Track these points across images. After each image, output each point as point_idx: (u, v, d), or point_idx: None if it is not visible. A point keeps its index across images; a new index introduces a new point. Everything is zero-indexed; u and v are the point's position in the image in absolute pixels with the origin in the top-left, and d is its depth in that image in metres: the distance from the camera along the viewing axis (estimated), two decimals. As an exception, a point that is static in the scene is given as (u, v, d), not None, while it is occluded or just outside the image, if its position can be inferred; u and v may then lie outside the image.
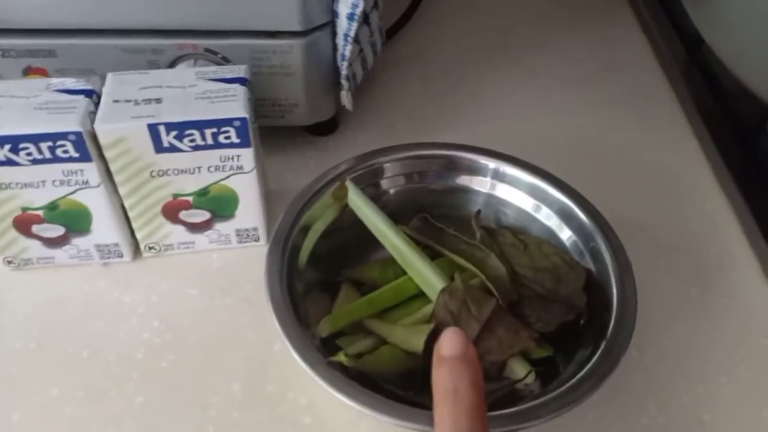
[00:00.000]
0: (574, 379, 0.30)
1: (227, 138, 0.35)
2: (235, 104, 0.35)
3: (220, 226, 0.39)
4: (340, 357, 0.30)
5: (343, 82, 0.43)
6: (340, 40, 0.41)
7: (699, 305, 0.39)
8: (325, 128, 0.48)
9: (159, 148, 0.35)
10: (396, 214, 0.38)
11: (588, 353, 0.32)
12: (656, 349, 0.37)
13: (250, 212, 0.39)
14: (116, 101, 0.35)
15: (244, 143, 0.35)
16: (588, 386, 0.29)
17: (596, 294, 0.34)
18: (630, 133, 0.50)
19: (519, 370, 0.33)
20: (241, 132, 0.35)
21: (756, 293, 0.40)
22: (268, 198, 0.42)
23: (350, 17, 0.39)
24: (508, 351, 0.33)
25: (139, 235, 0.39)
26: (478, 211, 0.39)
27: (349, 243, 0.38)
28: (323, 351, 0.31)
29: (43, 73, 0.40)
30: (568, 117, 0.51)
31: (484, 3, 0.61)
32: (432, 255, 0.37)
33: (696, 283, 0.40)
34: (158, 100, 0.35)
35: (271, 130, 0.44)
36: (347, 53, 0.41)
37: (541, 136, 0.49)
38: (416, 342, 0.32)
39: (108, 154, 0.35)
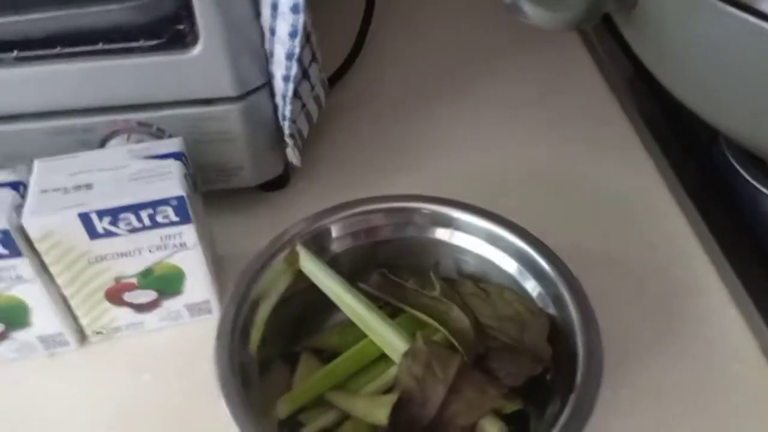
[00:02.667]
0: (546, 441, 0.28)
1: (165, 217, 0.34)
2: (170, 183, 0.33)
3: (169, 304, 0.38)
4: (299, 446, 0.29)
5: (288, 140, 0.42)
6: (279, 100, 0.40)
7: (669, 335, 0.38)
8: (276, 184, 0.47)
9: (93, 234, 0.33)
10: (354, 273, 0.37)
11: (558, 407, 0.31)
12: (630, 387, 0.36)
13: (198, 286, 0.37)
14: (44, 191, 0.33)
15: (184, 220, 0.34)
16: (561, 446, 0.28)
17: (561, 343, 0.33)
18: (583, 159, 0.49)
19: (490, 429, 0.32)
20: (180, 210, 0.33)
21: (725, 317, 0.39)
22: (220, 264, 0.41)
23: (285, 79, 0.38)
24: (477, 412, 0.32)
25: (83, 322, 0.37)
26: (437, 263, 0.38)
27: (306, 309, 0.37)
28: (283, 434, 0.30)
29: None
30: (519, 147, 0.50)
31: (426, 40, 0.60)
32: (394, 312, 0.36)
33: (664, 311, 0.40)
34: (89, 186, 0.33)
35: (220, 191, 0.43)
36: (287, 113, 0.40)
37: (494, 171, 0.49)
38: (380, 415, 0.30)
39: (40, 248, 0.33)
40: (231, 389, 0.30)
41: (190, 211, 0.34)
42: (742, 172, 0.45)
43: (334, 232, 0.37)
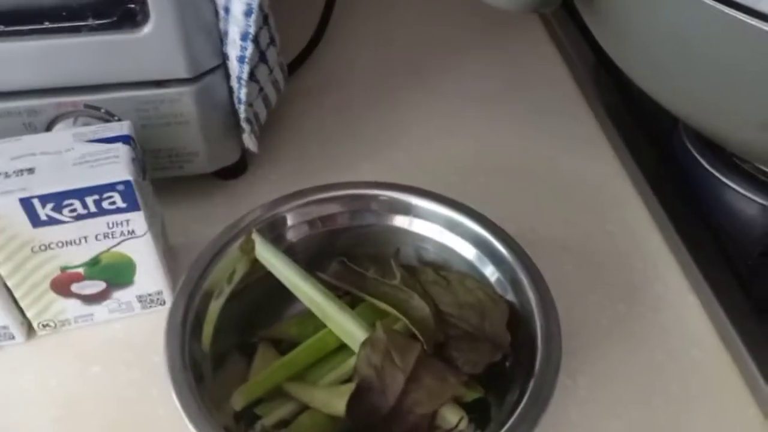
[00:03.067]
0: (505, 429, 0.28)
1: (112, 203, 0.32)
2: (117, 167, 0.32)
3: (119, 294, 0.36)
4: (253, 439, 0.28)
5: (244, 125, 0.41)
6: (234, 83, 0.39)
7: (627, 322, 0.39)
8: (233, 171, 0.45)
9: (36, 222, 0.31)
10: (312, 261, 0.36)
11: (517, 394, 0.30)
12: (588, 375, 0.36)
13: (150, 276, 0.36)
14: (-17, 175, 0.31)
15: (131, 207, 0.33)
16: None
17: (520, 329, 0.33)
18: (545, 148, 0.49)
19: (451, 417, 0.31)
20: (127, 196, 0.32)
21: (683, 304, 0.39)
22: (173, 254, 0.39)
23: (240, 60, 0.37)
24: (437, 400, 0.31)
25: (29, 314, 0.35)
26: (397, 251, 0.37)
27: (263, 299, 0.36)
28: (238, 429, 0.29)
29: None
30: (482, 137, 0.50)
31: (390, 29, 0.59)
32: (354, 301, 0.35)
33: (623, 298, 0.40)
34: (31, 170, 0.32)
35: (174, 177, 0.41)
36: (243, 96, 0.39)
37: (457, 160, 0.48)
38: (339, 404, 0.30)
39: (-21, 235, 0.31)
40: (182, 384, 0.28)
41: (139, 197, 0.32)
42: (702, 160, 0.45)
43: (291, 219, 0.36)
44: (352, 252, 0.37)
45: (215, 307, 0.33)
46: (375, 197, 0.37)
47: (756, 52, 0.31)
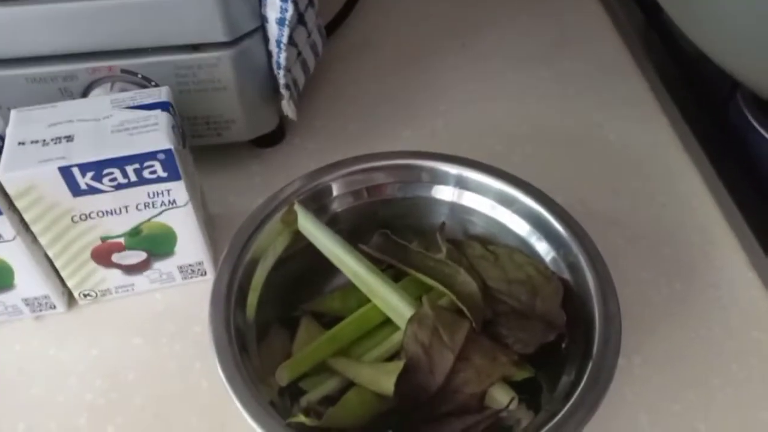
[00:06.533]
0: (563, 413, 0.27)
1: (153, 173, 0.31)
2: (157, 134, 0.31)
3: (160, 265, 0.35)
4: (300, 418, 0.27)
5: (283, 91, 0.39)
6: (273, 47, 0.37)
7: (684, 300, 0.37)
8: (270, 140, 0.44)
9: (76, 191, 0.31)
10: (354, 233, 0.35)
11: (573, 376, 0.29)
12: (643, 355, 0.35)
13: (191, 247, 0.35)
14: (21, 143, 0.30)
15: (172, 176, 0.32)
16: (578, 418, 0.27)
17: (576, 309, 0.31)
18: (592, 112, 0.47)
19: (501, 397, 0.30)
20: (168, 165, 0.31)
21: (742, 280, 0.38)
22: (213, 224, 0.39)
23: (280, 22, 0.35)
24: (487, 380, 0.30)
25: (70, 284, 0.35)
26: (443, 224, 0.36)
27: (305, 272, 0.35)
28: (283, 403, 0.28)
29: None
30: (525, 101, 0.48)
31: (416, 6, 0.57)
32: (397, 275, 0.34)
33: (678, 275, 0.38)
34: (69, 138, 0.31)
35: (210, 147, 0.40)
36: (282, 60, 0.37)
37: (500, 125, 0.46)
38: (386, 383, 0.29)
39: (19, 204, 0.31)
40: (227, 356, 0.28)
41: (180, 166, 0.31)
42: (761, 129, 0.43)
43: (334, 190, 0.35)
44: (395, 224, 0.36)
45: (258, 278, 0.32)
46: (423, 168, 0.35)
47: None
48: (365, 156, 0.36)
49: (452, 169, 0.35)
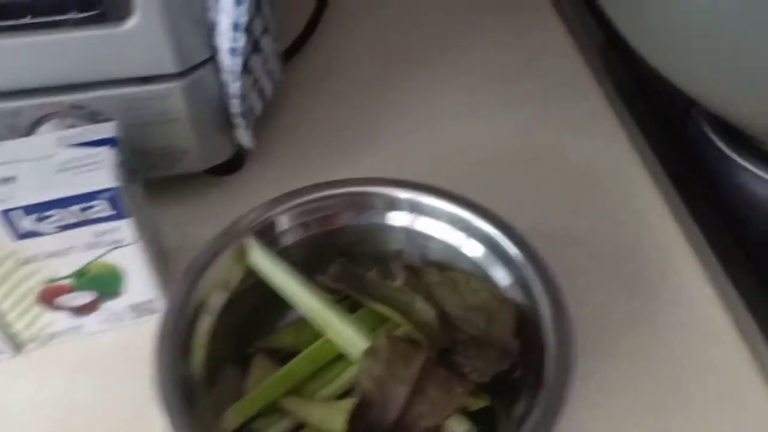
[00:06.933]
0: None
1: (98, 212, 0.31)
2: (102, 173, 0.30)
3: (110, 305, 0.35)
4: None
5: (237, 120, 0.39)
6: (226, 77, 0.37)
7: (642, 318, 0.37)
8: (228, 168, 0.44)
9: (18, 234, 0.30)
10: (311, 264, 0.35)
11: (527, 404, 0.29)
12: (600, 377, 0.34)
13: (140, 285, 0.34)
14: (-39, 186, 0.30)
15: (119, 215, 0.31)
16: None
17: (530, 334, 0.31)
18: (554, 132, 0.47)
19: (457, 429, 0.30)
20: (114, 203, 0.30)
21: (701, 297, 0.38)
22: (167, 259, 0.38)
23: (233, 52, 0.35)
24: (442, 413, 0.30)
25: (17, 327, 0.34)
26: (400, 251, 0.36)
27: (260, 307, 0.34)
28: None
29: None
30: (486, 121, 0.48)
31: (389, 10, 0.57)
32: (355, 305, 0.34)
33: (637, 293, 0.38)
34: (12, 179, 0.30)
35: (166, 177, 0.40)
36: (236, 90, 0.37)
37: (462, 148, 0.46)
38: (337, 422, 0.28)
39: (-41, 249, 0.30)
40: (173, 406, 0.27)
41: (126, 204, 0.31)
42: (718, 142, 0.43)
43: (288, 220, 0.35)
44: (354, 252, 0.36)
45: (209, 317, 0.32)
46: (375, 194, 0.35)
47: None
48: (320, 185, 0.36)
49: (406, 195, 0.35)
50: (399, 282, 0.34)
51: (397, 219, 0.36)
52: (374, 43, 0.54)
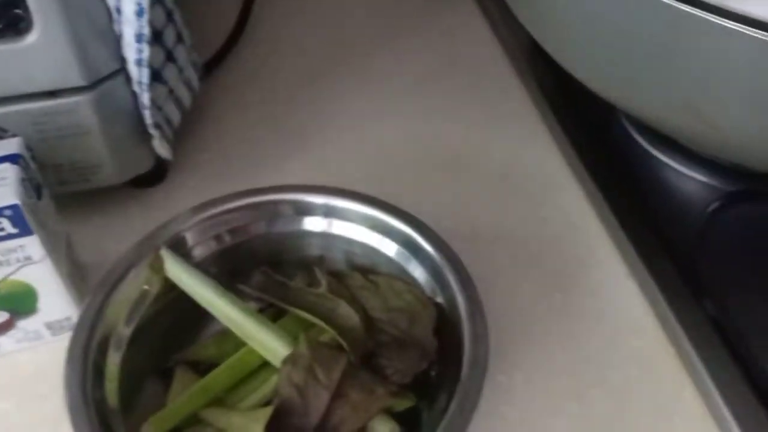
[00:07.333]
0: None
1: (2, 230, 0.30)
2: (4, 190, 0.29)
3: (25, 324, 0.34)
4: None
5: (152, 131, 0.38)
6: (136, 87, 0.36)
7: (564, 311, 0.37)
8: (150, 179, 0.43)
9: None
10: (234, 273, 0.34)
11: (447, 400, 0.29)
12: (525, 370, 0.35)
13: (55, 303, 0.33)
14: None
15: (23, 232, 0.30)
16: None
17: (449, 333, 0.31)
18: (477, 132, 0.47)
19: (380, 429, 0.30)
20: (17, 220, 0.30)
21: (621, 289, 0.38)
22: (83, 275, 0.37)
23: (138, 63, 0.35)
24: (364, 415, 0.30)
25: (-73, 352, 0.33)
26: (321, 257, 0.36)
27: (181, 318, 0.33)
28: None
29: None
30: (411, 123, 0.48)
31: (313, 17, 0.57)
32: (279, 314, 0.33)
33: (559, 287, 0.39)
34: None
35: (83, 191, 0.39)
36: (146, 101, 0.36)
37: (388, 149, 0.46)
38: (254, 430, 0.28)
39: None
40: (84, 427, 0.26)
41: (31, 221, 0.30)
42: (640, 139, 0.44)
43: (206, 231, 0.34)
44: (276, 260, 0.36)
45: (125, 333, 0.31)
46: (287, 201, 0.35)
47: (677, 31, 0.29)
48: (234, 194, 0.35)
49: (318, 200, 0.35)
50: (322, 288, 0.34)
51: (312, 224, 0.35)
52: (298, 51, 0.53)
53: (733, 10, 0.27)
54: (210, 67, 0.49)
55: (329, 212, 0.35)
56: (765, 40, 0.26)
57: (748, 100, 0.30)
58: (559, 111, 0.48)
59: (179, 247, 0.33)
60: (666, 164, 0.44)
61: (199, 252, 0.34)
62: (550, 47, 0.39)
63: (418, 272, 0.34)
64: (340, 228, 0.35)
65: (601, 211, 0.42)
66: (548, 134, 0.48)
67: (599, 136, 0.46)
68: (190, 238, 0.34)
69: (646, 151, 0.44)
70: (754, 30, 0.27)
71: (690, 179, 0.43)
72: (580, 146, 0.45)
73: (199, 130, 0.47)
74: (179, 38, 0.40)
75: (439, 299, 0.33)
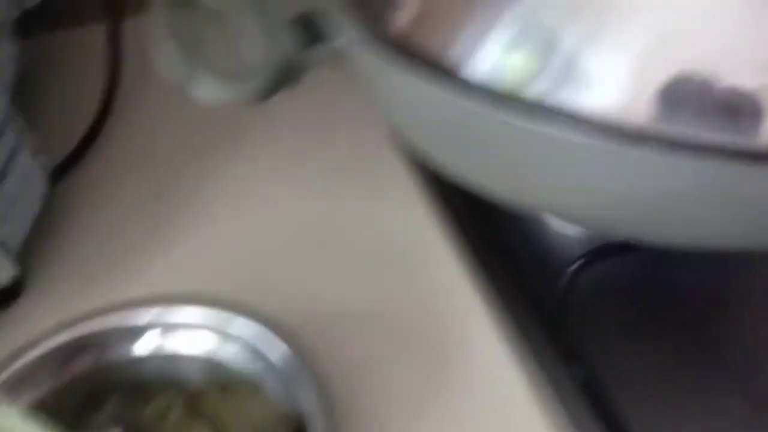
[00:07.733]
0: None
1: None
2: None
3: None
4: None
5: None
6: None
7: (436, 390, 0.36)
8: (2, 299, 0.40)
9: None
10: (87, 404, 0.32)
11: None
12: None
13: None
14: None
15: None
16: None
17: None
18: (353, 204, 0.46)
19: None
20: None
21: (493, 359, 0.38)
22: None
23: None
24: None
25: None
26: (178, 378, 0.34)
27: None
28: None
29: None
30: (282, 207, 0.46)
31: (177, 110, 0.53)
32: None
33: (432, 365, 0.37)
34: None
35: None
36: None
37: (261, 235, 0.45)
38: None
39: None
40: None
41: None
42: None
43: (44, 366, 0.32)
44: (133, 385, 0.33)
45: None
46: (114, 329, 0.33)
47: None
48: (60, 325, 0.33)
49: (150, 317, 0.33)
50: (177, 413, 0.32)
51: (146, 347, 0.34)
52: (162, 147, 0.51)
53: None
54: (63, 171, 0.47)
55: (166, 329, 0.33)
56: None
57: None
58: (431, 177, 0.47)
59: (40, 372, 0.32)
60: (540, 227, 0.44)
61: (41, 390, 0.32)
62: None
63: (272, 381, 0.32)
64: (175, 344, 0.33)
65: (478, 281, 0.41)
66: (422, 202, 0.47)
67: (473, 202, 0.46)
68: (43, 365, 0.32)
69: (517, 214, 0.44)
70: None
71: (557, 234, 0.44)
72: (454, 212, 0.45)
73: (55, 240, 0.44)
74: (19, 142, 0.38)
75: (297, 409, 0.31)
